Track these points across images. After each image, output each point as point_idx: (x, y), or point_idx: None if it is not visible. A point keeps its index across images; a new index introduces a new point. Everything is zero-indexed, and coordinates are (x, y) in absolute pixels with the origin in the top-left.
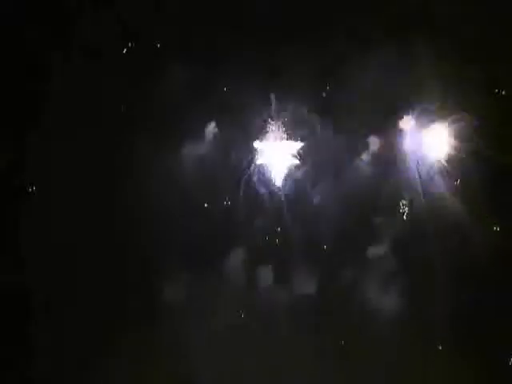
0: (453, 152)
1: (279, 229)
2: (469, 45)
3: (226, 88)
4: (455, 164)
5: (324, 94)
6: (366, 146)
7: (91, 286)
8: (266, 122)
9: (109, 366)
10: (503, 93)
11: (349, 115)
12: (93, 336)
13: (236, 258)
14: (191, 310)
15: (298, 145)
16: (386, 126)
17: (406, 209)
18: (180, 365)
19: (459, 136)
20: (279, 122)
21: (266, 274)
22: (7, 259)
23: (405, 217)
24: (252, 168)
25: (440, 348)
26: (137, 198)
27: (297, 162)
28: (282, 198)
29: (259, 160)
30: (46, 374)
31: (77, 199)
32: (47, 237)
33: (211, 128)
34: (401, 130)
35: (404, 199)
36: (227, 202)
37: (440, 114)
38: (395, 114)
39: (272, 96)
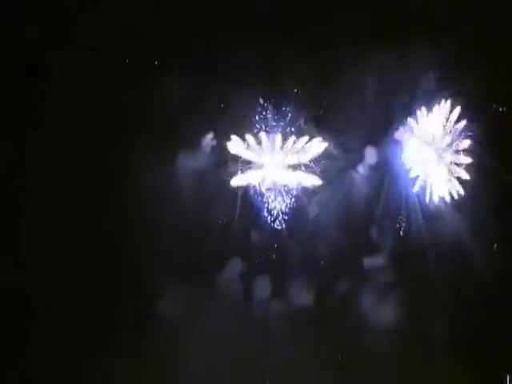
0: (455, 166)
1: (278, 239)
2: (469, 51)
3: (222, 104)
4: (457, 179)
5: (322, 107)
6: (363, 159)
7: (91, 287)
8: (263, 132)
9: (109, 366)
10: (504, 109)
11: (347, 126)
12: (93, 336)
13: (232, 270)
14: (189, 319)
15: (297, 156)
16: (385, 138)
17: (404, 224)
18: (177, 370)
19: (462, 150)
20: (277, 134)
21: (263, 287)
22: (7, 259)
23: (401, 232)
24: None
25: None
26: (136, 198)
27: (295, 173)
28: (280, 210)
29: (256, 171)
30: (46, 374)
31: (76, 199)
32: (47, 237)
33: (209, 139)
34: (399, 143)
35: (402, 214)
36: (224, 216)
37: (442, 126)
38: (394, 125)
39: (270, 107)
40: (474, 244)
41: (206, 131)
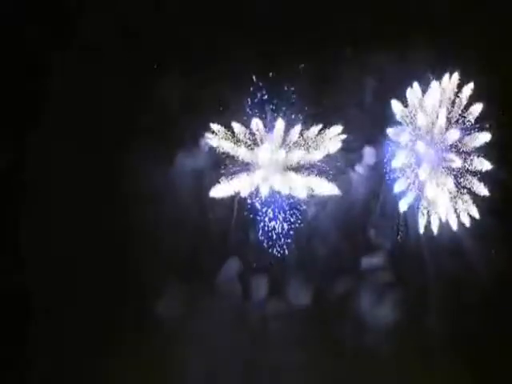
0: (457, 168)
1: (275, 241)
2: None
3: (221, 107)
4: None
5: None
6: (362, 159)
7: (91, 287)
8: (261, 133)
9: (109, 366)
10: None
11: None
12: (93, 336)
13: (231, 270)
14: (188, 319)
15: (295, 156)
16: (384, 138)
17: (402, 227)
18: (177, 370)
19: (464, 150)
20: (275, 134)
21: (261, 286)
22: (7, 259)
23: (399, 236)
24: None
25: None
26: (135, 198)
27: (292, 174)
28: (278, 211)
29: (254, 172)
30: (45, 374)
31: (76, 199)
32: (47, 237)
33: (208, 139)
34: (399, 143)
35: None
36: (222, 216)
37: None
38: (394, 124)
39: (268, 107)
40: (475, 245)
41: (205, 131)
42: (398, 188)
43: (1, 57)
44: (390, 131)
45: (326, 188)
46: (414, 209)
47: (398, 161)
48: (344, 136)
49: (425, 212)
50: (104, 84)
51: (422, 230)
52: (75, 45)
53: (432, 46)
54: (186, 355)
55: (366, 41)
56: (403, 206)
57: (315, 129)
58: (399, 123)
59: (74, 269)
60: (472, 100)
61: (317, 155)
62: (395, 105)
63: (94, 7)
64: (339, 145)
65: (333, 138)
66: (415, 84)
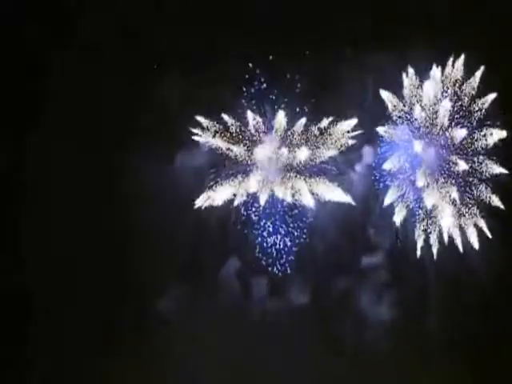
0: (457, 168)
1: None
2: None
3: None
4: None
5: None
6: (361, 158)
7: (91, 287)
8: (261, 134)
9: (109, 366)
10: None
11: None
12: (93, 336)
13: (231, 270)
14: (189, 319)
15: (294, 155)
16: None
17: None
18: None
19: (462, 150)
20: (274, 134)
21: (261, 286)
22: (7, 259)
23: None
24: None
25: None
26: (135, 198)
27: (292, 173)
28: (277, 210)
29: (254, 170)
30: (45, 374)
31: (76, 199)
32: (47, 237)
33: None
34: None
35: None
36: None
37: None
38: (393, 123)
39: (267, 107)
40: (474, 245)
41: (204, 131)
42: (390, 195)
43: (1, 57)
44: (381, 129)
45: (336, 195)
46: (412, 213)
47: (391, 163)
48: (353, 133)
49: (424, 215)
50: (104, 84)
51: (420, 242)
52: (75, 45)
53: (432, 46)
54: (186, 355)
55: (366, 41)
56: (399, 213)
57: (317, 127)
58: (395, 122)
59: (74, 269)
60: (473, 99)
61: (323, 154)
62: (385, 96)
63: (94, 7)
64: (349, 142)
65: (339, 136)
66: (411, 71)
